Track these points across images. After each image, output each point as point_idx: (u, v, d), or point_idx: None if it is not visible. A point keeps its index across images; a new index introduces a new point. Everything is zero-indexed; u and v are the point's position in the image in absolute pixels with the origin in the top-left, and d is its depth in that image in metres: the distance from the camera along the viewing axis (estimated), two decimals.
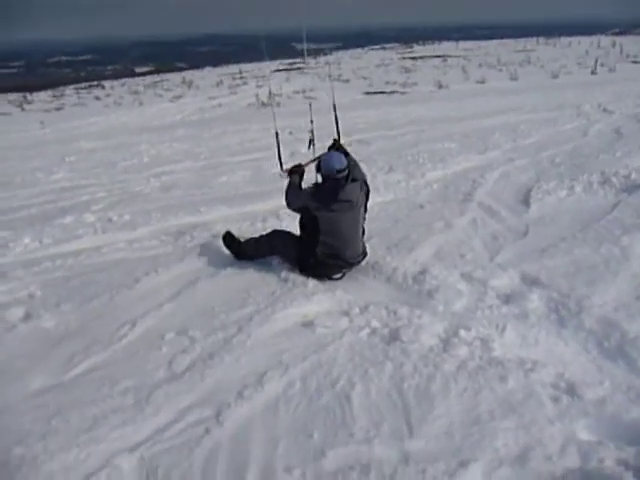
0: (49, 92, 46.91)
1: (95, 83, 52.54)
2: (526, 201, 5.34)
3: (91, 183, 8.19)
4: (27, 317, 3.48)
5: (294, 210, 3.93)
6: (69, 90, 48.57)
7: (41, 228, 5.58)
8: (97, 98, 39.51)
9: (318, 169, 3.82)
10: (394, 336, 2.95)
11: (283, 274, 3.86)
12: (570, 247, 4.03)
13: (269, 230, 4.24)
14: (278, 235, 4.04)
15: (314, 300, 3.44)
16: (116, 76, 60.81)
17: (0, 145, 18.36)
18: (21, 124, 27.22)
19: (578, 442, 2.17)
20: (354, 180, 3.78)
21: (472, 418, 2.31)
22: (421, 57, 49.81)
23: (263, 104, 28.78)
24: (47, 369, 2.88)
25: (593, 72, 25.15)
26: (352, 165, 3.89)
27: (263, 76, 50.27)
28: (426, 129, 11.06)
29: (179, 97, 38.75)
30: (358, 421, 2.33)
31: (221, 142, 12.56)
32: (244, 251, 4.17)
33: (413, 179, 6.66)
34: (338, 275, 3.81)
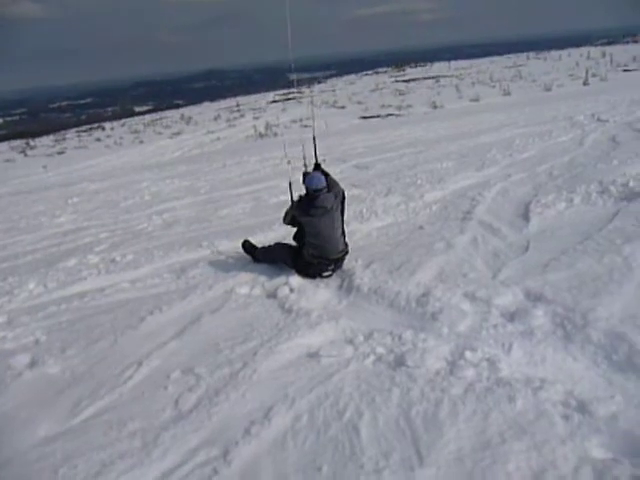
0: (51, 137, 47.77)
1: (96, 125, 53.51)
2: (526, 216, 5.34)
3: (94, 224, 8.26)
4: (33, 364, 3.48)
5: (288, 224, 4.73)
6: (70, 134, 49.46)
7: (45, 272, 5.62)
8: (98, 139, 40.15)
9: (303, 181, 4.60)
10: (400, 361, 2.92)
11: (287, 305, 3.86)
12: (572, 260, 4.01)
13: (274, 242, 5.05)
14: (280, 245, 4.86)
15: (318, 330, 3.43)
16: (116, 117, 61.86)
17: (4, 191, 18.64)
18: (24, 169, 27.64)
19: (592, 461, 2.13)
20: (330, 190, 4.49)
21: (482, 442, 2.28)
22: (414, 79, 50.51)
23: (261, 135, 29.19)
24: (53, 416, 2.87)
25: (585, 83, 25.42)
26: (332, 184, 4.59)
27: (260, 108, 51.00)
28: (423, 150, 11.15)
29: (178, 133, 39.36)
30: (367, 452, 2.30)
31: (221, 175, 12.68)
32: (258, 255, 4.97)
33: (412, 201, 6.69)
34: (327, 273, 4.41)
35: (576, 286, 3.57)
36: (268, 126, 31.89)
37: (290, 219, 4.64)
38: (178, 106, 67.44)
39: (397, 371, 2.85)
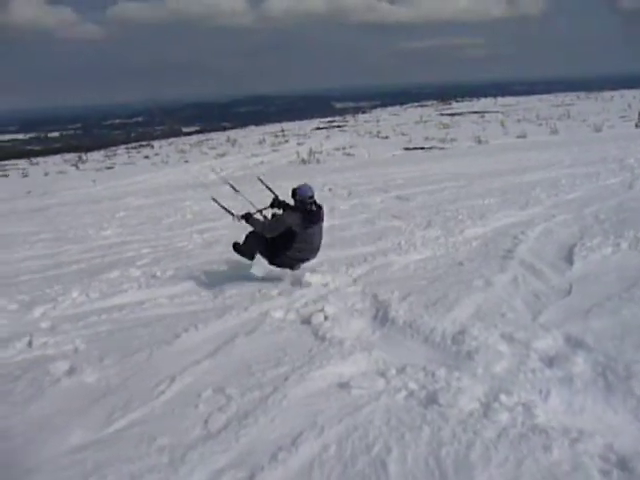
0: (102, 152, 49.59)
1: (144, 143, 55.31)
2: (569, 258, 5.21)
3: (137, 239, 8.51)
4: (71, 371, 3.58)
5: (274, 234, 5.09)
6: (120, 150, 51.25)
7: (89, 282, 5.80)
8: (146, 157, 41.45)
9: (294, 195, 5.15)
10: (432, 399, 2.87)
11: (320, 332, 3.86)
12: (617, 307, 3.88)
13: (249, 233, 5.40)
14: (256, 238, 5.27)
15: (350, 360, 3.41)
16: (164, 136, 63.81)
17: (55, 202, 19.39)
18: (75, 182, 28.71)
19: None
20: (320, 207, 5.21)
21: None
22: (459, 113, 50.45)
23: (303, 161, 29.58)
24: (87, 424, 2.93)
25: (637, 125, 24.83)
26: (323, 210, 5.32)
27: (304, 134, 51.83)
28: (466, 185, 11.07)
29: (223, 155, 40.29)
30: None
31: (262, 198, 12.87)
32: (243, 251, 5.40)
33: (452, 236, 6.63)
34: (298, 268, 5.26)
35: (620, 335, 3.44)
36: (311, 152, 32.29)
37: (282, 227, 5.05)
38: (224, 128, 69.19)
39: (428, 409, 2.80)
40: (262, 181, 6.73)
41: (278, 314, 4.34)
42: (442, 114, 52.15)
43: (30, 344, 4.20)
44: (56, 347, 4.09)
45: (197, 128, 75.12)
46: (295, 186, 5.26)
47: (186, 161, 39.13)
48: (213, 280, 5.52)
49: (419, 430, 2.61)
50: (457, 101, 68.04)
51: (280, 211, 5.46)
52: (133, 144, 55.98)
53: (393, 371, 3.22)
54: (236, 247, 5.46)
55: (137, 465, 2.52)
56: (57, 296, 5.39)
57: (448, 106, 62.93)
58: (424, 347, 3.60)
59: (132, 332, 4.23)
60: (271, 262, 5.26)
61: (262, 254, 5.29)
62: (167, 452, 2.61)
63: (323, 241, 5.39)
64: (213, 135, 58.47)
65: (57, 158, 47.61)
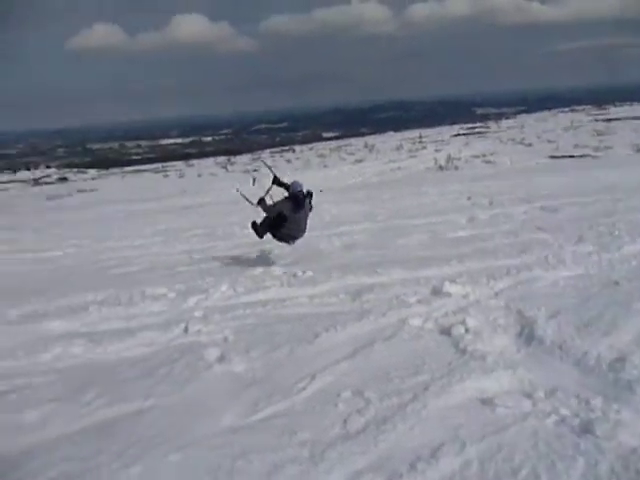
0: (249, 155, 53.07)
1: (287, 147, 58.15)
2: None
3: None
4: (221, 359, 3.87)
5: (272, 215, 6.76)
6: (265, 153, 54.41)
7: (236, 277, 6.21)
8: (288, 161, 43.46)
9: (288, 189, 6.90)
10: (586, 429, 2.65)
11: (461, 345, 3.75)
12: None
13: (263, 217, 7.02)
14: (265, 223, 6.95)
15: (493, 376, 3.27)
16: (306, 141, 66.51)
17: (206, 201, 21.09)
18: (224, 182, 30.97)
19: None
20: (306, 196, 6.77)
21: None
22: (617, 119, 45.98)
23: (441, 168, 28.99)
24: (235, 410, 3.14)
25: None
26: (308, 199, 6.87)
27: (442, 140, 50.70)
28: (623, 197, 10.08)
29: (361, 160, 40.94)
30: None
31: (399, 204, 12.86)
32: (257, 231, 7.08)
33: (607, 252, 6.08)
34: (293, 243, 6.99)
35: None
36: (449, 159, 31.56)
37: (275, 212, 6.70)
38: (363, 134, 70.21)
39: (582, 438, 2.59)
40: (265, 163, 8.87)
41: (416, 322, 4.29)
42: (596, 119, 47.93)
43: (186, 330, 4.61)
44: (208, 335, 4.44)
45: (337, 134, 77.10)
46: (290, 182, 6.95)
47: (325, 166, 40.43)
48: (351, 283, 5.63)
49: (572, 460, 2.42)
50: (615, 105, 62.08)
51: (279, 188, 7.12)
52: (277, 148, 59.08)
53: (541, 393, 3.03)
54: (254, 226, 7.15)
55: (279, 455, 2.65)
56: (209, 288, 5.84)
57: (604, 111, 57.66)
58: (575, 371, 3.34)
59: (274, 328, 4.45)
60: (274, 237, 6.97)
61: (270, 233, 6.94)
62: (308, 447, 2.70)
63: (465, 250, 6.07)
64: (352, 140, 59.67)
65: (210, 161, 51.80)
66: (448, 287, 5.00)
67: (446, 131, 58.93)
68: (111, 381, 3.71)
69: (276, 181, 7.18)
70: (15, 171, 66.42)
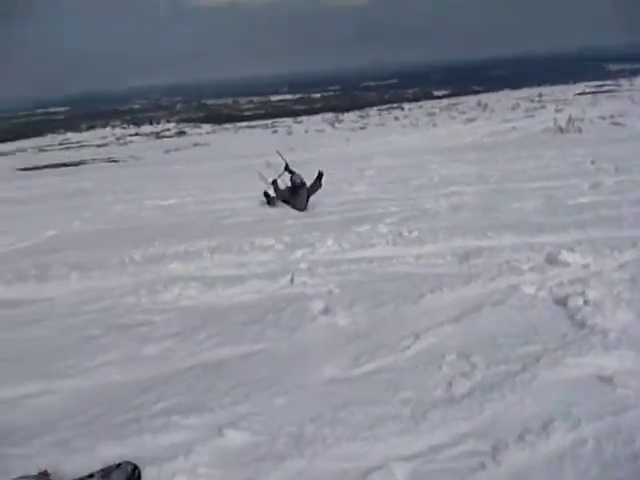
0: (356, 113, 52.60)
1: (395, 105, 56.82)
2: None
3: (386, 197, 8.84)
4: (326, 311, 3.94)
5: (276, 194, 9.06)
6: (373, 111, 53.60)
7: (341, 233, 6.25)
8: (396, 119, 42.53)
9: (290, 179, 8.92)
10: None
11: (578, 317, 3.50)
12: None
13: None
14: (278, 195, 9.04)
15: (615, 354, 3.02)
16: (415, 99, 64.50)
17: (313, 157, 21.29)
18: (331, 139, 31.07)
19: None
20: (303, 185, 8.77)
21: None
22: None
23: (561, 129, 26.86)
24: (338, 362, 3.20)
25: None
26: (303, 180, 8.85)
27: (564, 99, 46.81)
28: None
29: (472, 120, 39.07)
30: None
31: (513, 167, 12.12)
32: (269, 200, 9.09)
33: None
34: (302, 209, 8.63)
35: None
36: (571, 120, 29.10)
37: (281, 197, 8.99)
38: (476, 92, 66.67)
39: None
40: (279, 153, 10.06)
41: (529, 290, 4.06)
42: None
43: (292, 281, 4.74)
44: (313, 287, 4.54)
45: (447, 92, 73.91)
46: (295, 176, 8.91)
47: (434, 125, 39.08)
48: (459, 245, 5.44)
49: None
50: None
51: (288, 174, 9.11)
52: (385, 106, 57.98)
53: None
54: (266, 195, 9.17)
55: (381, 409, 2.67)
56: (315, 242, 5.94)
57: None
58: None
59: (379, 285, 4.44)
60: (288, 204, 8.86)
61: (284, 202, 8.94)
62: (410, 405, 2.69)
63: (586, 218, 6.12)
64: (463, 99, 57.00)
65: (318, 117, 52.04)
66: (565, 255, 4.65)
67: (569, 89, 54.27)
68: (223, 323, 3.93)
69: (287, 168, 9.25)
70: (139, 125, 71.33)
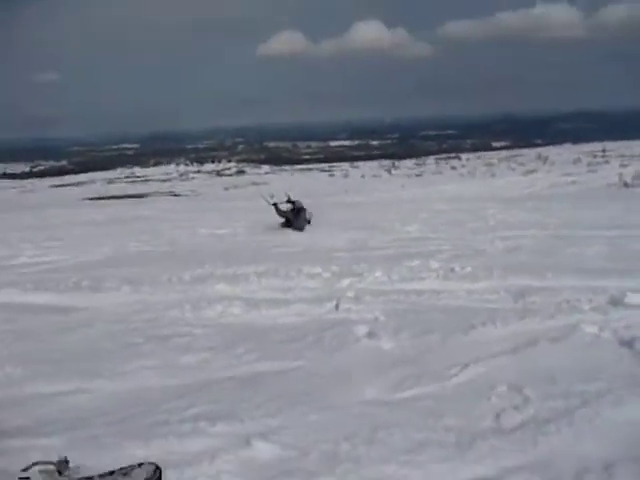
0: (413, 160, 52.77)
1: (453, 155, 56.68)
2: None
3: (438, 237, 8.66)
4: (370, 335, 3.79)
5: (281, 216, 10.81)
6: (430, 160, 53.65)
7: (391, 266, 6.10)
8: (453, 168, 42.39)
9: (293, 205, 10.82)
10: None
11: None
12: None
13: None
14: (284, 212, 10.78)
15: None
16: (473, 149, 64.26)
17: (368, 200, 21.37)
18: (386, 185, 31.20)
19: None
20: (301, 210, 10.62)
21: None
22: None
23: (626, 184, 25.84)
24: (379, 385, 3.03)
25: None
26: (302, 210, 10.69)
27: (631, 155, 45.38)
28: None
29: (532, 172, 38.39)
30: None
31: (572, 216, 11.68)
32: (283, 224, 10.73)
33: None
34: (303, 230, 10.29)
35: None
36: (638, 175, 28.01)
37: (284, 216, 10.69)
38: (536, 145, 65.76)
39: None
40: (264, 197, 11.76)
41: (590, 329, 3.76)
42: None
43: (337, 307, 4.63)
44: (358, 314, 4.41)
45: (507, 143, 73.30)
46: (297, 202, 10.82)
47: (492, 175, 38.58)
48: (514, 284, 5.18)
49: None
50: None
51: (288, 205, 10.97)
52: (442, 155, 58.04)
53: None
54: (283, 224, 10.72)
55: (423, 435, 2.47)
56: (362, 272, 5.83)
57: None
58: None
59: (428, 315, 4.25)
60: (291, 227, 10.47)
61: (289, 226, 10.50)
62: (454, 433, 2.48)
63: None
64: (524, 151, 56.22)
65: (374, 163, 52.59)
66: (632, 298, 4.33)
67: (636, 144, 52.60)
68: (263, 340, 3.85)
69: (276, 207, 10.98)
70: (202, 163, 74.29)
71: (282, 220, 10.76)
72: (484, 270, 5.74)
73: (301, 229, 10.25)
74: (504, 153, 56.73)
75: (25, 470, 1.89)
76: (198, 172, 63.10)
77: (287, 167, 61.72)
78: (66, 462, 2.02)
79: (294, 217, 10.50)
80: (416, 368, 3.21)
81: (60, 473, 1.99)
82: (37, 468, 1.91)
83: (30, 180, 65.03)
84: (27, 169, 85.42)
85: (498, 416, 2.62)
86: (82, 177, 61.74)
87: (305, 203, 11.00)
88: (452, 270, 5.79)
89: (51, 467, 1.96)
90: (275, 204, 10.97)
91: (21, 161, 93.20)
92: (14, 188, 56.56)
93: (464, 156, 54.24)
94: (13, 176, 73.38)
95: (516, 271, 5.66)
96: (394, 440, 2.42)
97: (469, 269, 5.76)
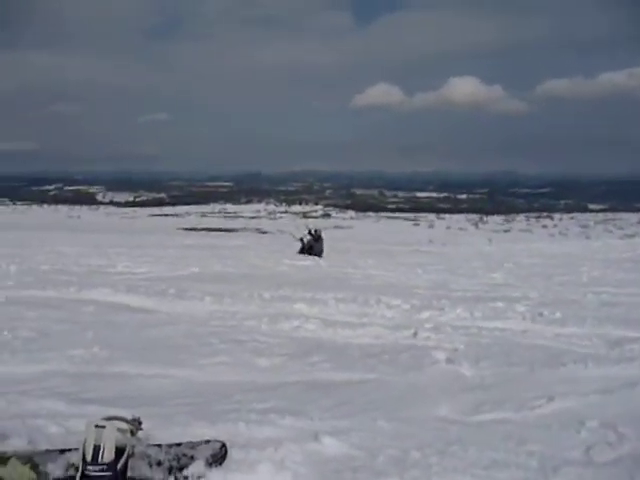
0: (502, 217, 51.26)
1: (545, 214, 54.48)
2: None
3: (524, 285, 8.27)
4: (449, 361, 3.64)
5: (304, 246, 14.16)
6: (519, 217, 51.86)
7: (474, 305, 5.89)
8: (544, 227, 40.68)
9: (312, 236, 14.38)
10: None
11: None
12: None
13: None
14: (307, 242, 14.17)
15: None
16: (567, 210, 61.46)
17: (452, 251, 20.92)
18: (472, 237, 30.43)
19: None
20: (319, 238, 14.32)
21: None
22: None
23: None
24: (455, 405, 2.88)
25: None
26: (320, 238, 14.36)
27: None
28: None
29: (631, 236, 35.96)
30: None
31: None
32: (301, 252, 13.68)
33: None
34: (321, 256, 13.29)
35: None
36: None
37: (308, 245, 13.79)
38: (637, 210, 61.83)
39: None
40: (293, 235, 15.24)
41: None
42: None
43: (415, 335, 4.50)
44: (437, 342, 4.26)
45: (605, 206, 69.51)
46: (317, 232, 14.16)
47: (587, 237, 36.57)
48: (609, 332, 4.80)
49: None
50: None
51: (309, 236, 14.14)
52: (533, 213, 56.01)
53: None
54: (301, 251, 13.45)
55: (502, 455, 2.29)
56: (444, 307, 5.67)
57: None
58: None
59: (512, 349, 4.03)
60: (309, 254, 12.70)
61: (307, 253, 12.99)
62: (537, 458, 2.28)
63: None
64: (623, 215, 53.00)
65: (461, 217, 51.63)
66: None
67: None
68: (337, 353, 3.82)
69: (309, 233, 14.13)
70: (290, 204, 76.63)
71: (300, 248, 13.80)
72: (575, 317, 5.40)
73: (319, 254, 13.18)
74: (601, 216, 53.79)
75: (103, 420, 1.94)
76: (285, 212, 65.08)
77: (372, 214, 62.10)
78: (139, 422, 2.07)
79: (315, 244, 13.69)
80: (496, 394, 3.02)
81: (132, 433, 2.03)
82: (113, 423, 1.95)
83: (133, 208, 70.37)
84: (131, 198, 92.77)
85: (589, 449, 2.38)
86: (178, 209, 65.78)
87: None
88: (540, 314, 5.49)
89: (125, 426, 2.00)
90: (301, 238, 14.09)
91: (126, 191, 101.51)
92: (117, 214, 61.20)
93: (557, 216, 51.98)
94: (118, 204, 79.95)
95: (612, 320, 5.27)
96: (469, 455, 2.26)
97: (558, 314, 5.44)
